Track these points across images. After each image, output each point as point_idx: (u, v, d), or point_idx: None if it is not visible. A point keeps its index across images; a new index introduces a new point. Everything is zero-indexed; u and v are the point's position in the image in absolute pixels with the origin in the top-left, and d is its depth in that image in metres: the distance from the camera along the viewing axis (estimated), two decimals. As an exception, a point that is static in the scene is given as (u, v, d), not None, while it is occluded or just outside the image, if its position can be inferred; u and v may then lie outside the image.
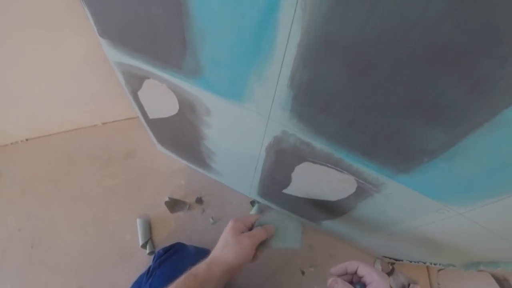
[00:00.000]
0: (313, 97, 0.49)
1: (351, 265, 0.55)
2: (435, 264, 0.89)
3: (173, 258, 0.86)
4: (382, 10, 0.32)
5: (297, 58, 0.43)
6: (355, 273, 0.55)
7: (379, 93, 0.42)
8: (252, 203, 1.16)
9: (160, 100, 0.83)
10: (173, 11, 0.50)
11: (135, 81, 0.81)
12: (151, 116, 0.97)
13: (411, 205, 0.62)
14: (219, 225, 1.15)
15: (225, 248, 0.58)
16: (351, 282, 0.55)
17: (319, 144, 0.59)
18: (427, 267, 1.15)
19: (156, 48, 0.63)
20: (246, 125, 0.68)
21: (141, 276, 0.90)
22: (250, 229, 0.64)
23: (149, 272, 0.84)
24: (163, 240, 1.12)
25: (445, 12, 0.29)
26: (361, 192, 0.67)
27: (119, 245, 1.14)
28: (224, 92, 0.62)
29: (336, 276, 0.56)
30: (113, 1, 0.58)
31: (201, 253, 0.96)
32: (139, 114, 1.00)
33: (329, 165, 0.64)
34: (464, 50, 0.31)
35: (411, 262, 0.97)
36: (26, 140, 1.41)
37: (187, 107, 0.77)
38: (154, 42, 0.61)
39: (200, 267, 0.57)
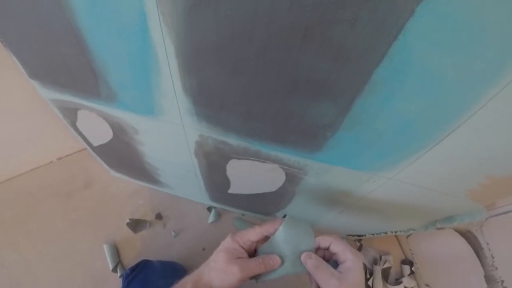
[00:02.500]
0: (208, 99, 0.57)
1: (324, 240, 0.55)
2: (395, 232, 0.97)
3: (139, 276, 0.94)
4: (224, 10, 0.38)
5: (180, 68, 0.51)
6: (327, 249, 0.54)
7: (257, 83, 0.48)
8: (209, 209, 1.26)
9: (96, 127, 0.91)
10: (76, 46, 0.57)
11: (70, 114, 0.89)
12: (95, 143, 1.05)
13: (341, 180, 0.69)
14: (182, 236, 1.26)
15: (213, 272, 0.55)
16: (323, 258, 0.54)
17: (233, 141, 0.67)
18: (396, 237, 1.24)
19: (76, 81, 0.70)
20: (169, 136, 0.76)
21: None
22: (252, 250, 0.59)
23: None
24: (132, 260, 1.22)
25: None
26: (292, 178, 0.75)
27: (91, 273, 1.24)
28: (139, 109, 0.69)
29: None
30: (29, 44, 0.64)
31: (166, 266, 1.06)
32: (84, 143, 1.09)
33: (251, 158, 0.72)
34: (311, 23, 0.36)
35: (373, 235, 1.06)
36: None
37: (118, 130, 0.85)
38: (72, 76, 0.68)
39: (186, 285, 0.55)
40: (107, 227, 1.32)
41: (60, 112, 0.91)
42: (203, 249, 1.21)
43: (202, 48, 0.46)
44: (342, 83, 0.43)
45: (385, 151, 0.55)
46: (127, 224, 1.28)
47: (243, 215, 1.25)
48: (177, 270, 1.11)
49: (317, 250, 0.56)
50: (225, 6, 0.38)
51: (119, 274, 1.20)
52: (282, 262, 0.55)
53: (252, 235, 0.57)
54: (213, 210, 1.25)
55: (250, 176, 0.83)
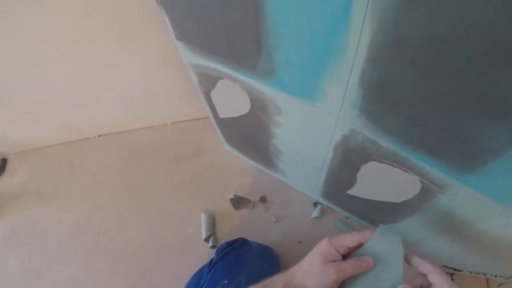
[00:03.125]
0: (381, 96, 0.55)
1: (423, 266, 0.54)
2: (495, 276, 0.92)
3: (235, 252, 0.95)
4: (444, 12, 0.36)
5: (367, 58, 0.50)
6: (426, 276, 0.53)
7: (444, 91, 0.47)
8: (315, 204, 1.26)
9: (232, 100, 0.92)
10: (250, 16, 0.57)
11: (208, 82, 0.91)
12: (222, 115, 1.08)
13: (474, 207, 0.66)
14: (281, 224, 1.26)
15: (308, 274, 0.56)
16: (420, 286, 0.54)
17: (385, 143, 0.65)
18: (487, 280, 1.16)
19: (232, 51, 0.71)
20: (316, 124, 0.75)
21: (202, 268, 1.01)
22: (345, 254, 0.59)
23: (211, 264, 0.94)
24: (226, 235, 1.26)
25: (505, 10, 0.32)
26: (425, 193, 0.72)
27: (182, 237, 1.29)
28: (297, 91, 0.69)
29: (413, 265, 0.56)
30: (191, 7, 0.66)
31: (263, 250, 1.07)
32: (209, 113, 1.13)
33: (395, 164, 0.69)
34: None
35: (471, 273, 1.01)
36: (98, 136, 1.66)
37: (258, 106, 0.86)
38: (230, 45, 0.69)
39: (277, 285, 0.56)
40: (208, 198, 1.37)
41: (198, 78, 0.93)
42: (299, 242, 1.22)
43: (401, 43, 0.44)
44: None
45: None
46: (230, 199, 1.32)
47: (347, 218, 1.23)
48: (272, 256, 1.11)
49: (417, 276, 0.55)
50: (446, 8, 0.36)
51: (210, 244, 1.24)
52: (366, 274, 0.56)
53: (350, 240, 0.58)
54: (319, 206, 1.25)
55: (381, 181, 0.81)
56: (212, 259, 0.97)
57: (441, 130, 0.54)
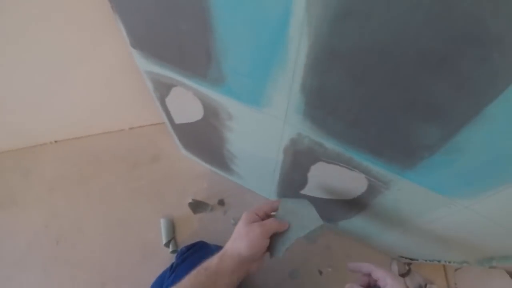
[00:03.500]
0: (322, 101, 0.60)
1: (366, 267, 0.62)
2: (449, 262, 0.97)
3: (195, 255, 0.97)
4: (371, 25, 0.41)
5: (306, 68, 0.54)
6: (370, 275, 0.61)
7: (378, 96, 0.52)
8: None
9: (186, 106, 0.95)
10: (199, 27, 0.60)
11: (163, 89, 0.93)
12: (177, 121, 1.10)
13: (419, 200, 0.71)
14: None
15: (237, 239, 0.63)
16: (368, 285, 0.62)
17: (330, 144, 0.70)
18: (444, 267, 1.25)
19: (184, 59, 0.74)
20: (265, 128, 0.79)
21: (164, 272, 1.01)
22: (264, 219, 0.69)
23: (172, 268, 0.95)
24: (186, 239, 1.28)
25: (426, 23, 0.37)
26: (372, 189, 0.78)
27: (142, 243, 1.30)
28: (245, 98, 0.73)
29: (351, 270, 0.65)
30: (144, 15, 0.68)
31: None
32: (165, 119, 1.15)
33: (341, 164, 0.74)
34: (446, 54, 0.39)
35: (426, 261, 1.07)
36: (55, 142, 1.62)
37: (211, 112, 0.89)
38: (182, 54, 0.72)
39: (212, 260, 0.62)
40: (167, 203, 1.39)
41: (153, 84, 0.96)
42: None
43: (336, 52, 0.49)
44: (456, 111, 0.46)
45: (473, 179, 0.58)
46: (189, 203, 1.34)
47: None
48: None
49: (362, 275, 0.64)
50: (375, 21, 0.41)
51: (170, 249, 1.26)
52: (290, 228, 0.68)
53: (267, 208, 0.72)
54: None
55: (331, 180, 0.87)
56: (173, 263, 0.99)
57: (379, 131, 0.59)
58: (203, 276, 0.60)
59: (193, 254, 0.98)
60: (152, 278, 1.04)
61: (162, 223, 1.32)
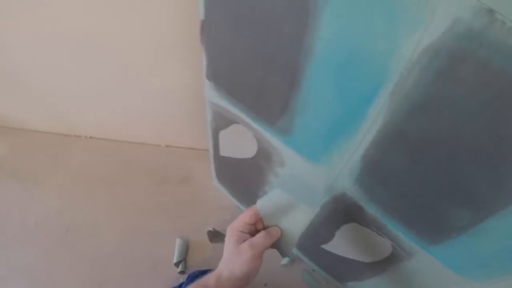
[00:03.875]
0: (377, 171, 0.67)
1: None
2: None
3: None
4: (442, 119, 0.50)
5: (372, 142, 0.62)
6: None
7: (428, 177, 0.60)
8: None
9: (240, 143, 1.00)
10: (286, 81, 0.67)
11: (222, 122, 0.99)
12: (223, 153, 1.17)
13: (434, 275, 0.77)
14: None
15: (229, 262, 0.64)
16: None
17: (370, 210, 0.77)
18: None
19: (257, 104, 0.80)
20: (312, 181, 0.85)
21: None
22: (253, 231, 0.70)
23: None
24: (196, 264, 1.32)
25: (487, 127, 0.46)
26: (394, 257, 0.84)
27: (152, 256, 1.34)
28: (305, 152, 0.79)
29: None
30: (233, 57, 0.75)
31: None
32: (210, 147, 1.21)
33: (373, 228, 0.81)
34: (494, 153, 0.47)
35: None
36: (90, 137, 1.71)
37: (263, 155, 0.94)
38: (258, 99, 0.79)
39: (210, 280, 0.63)
40: (186, 225, 1.45)
41: (212, 115, 1.01)
42: (265, 285, 1.29)
43: (403, 135, 0.58)
44: (488, 201, 0.55)
45: (489, 263, 0.64)
46: (208, 231, 1.39)
47: (313, 270, 1.33)
48: None
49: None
50: (445, 117, 0.49)
51: (179, 269, 1.30)
52: (284, 231, 0.71)
53: (247, 217, 0.70)
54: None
55: (357, 241, 0.92)
56: (181, 283, 1.02)
57: (419, 206, 0.67)
58: None
59: None
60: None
61: (178, 242, 1.38)
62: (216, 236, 1.41)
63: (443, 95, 0.48)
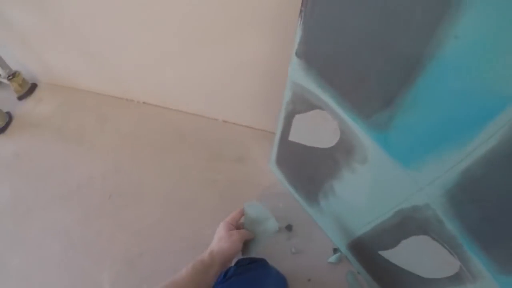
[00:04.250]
0: (473, 189, 0.65)
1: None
2: None
3: (253, 272, 1.01)
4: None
5: (483, 157, 0.60)
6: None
7: None
8: (335, 250, 1.35)
9: (318, 131, 0.98)
10: (399, 75, 0.64)
11: (302, 105, 0.96)
12: (292, 138, 1.15)
13: None
14: (298, 257, 1.34)
15: (221, 241, 0.87)
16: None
17: (451, 226, 0.75)
18: None
19: (354, 93, 0.77)
20: (394, 186, 0.83)
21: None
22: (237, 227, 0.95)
23: (227, 276, 0.98)
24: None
25: None
26: (457, 278, 0.82)
27: (196, 235, 1.35)
28: (396, 153, 0.77)
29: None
30: (337, 34, 0.72)
31: (279, 278, 1.16)
32: (278, 130, 1.19)
33: (446, 246, 0.79)
34: None
35: None
36: (143, 102, 1.71)
37: (344, 148, 0.92)
38: (357, 87, 0.76)
39: (204, 255, 0.83)
40: (236, 207, 1.39)
41: (292, 97, 0.98)
42: (309, 280, 1.30)
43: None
44: None
45: None
46: None
47: (358, 273, 1.34)
48: (284, 287, 1.22)
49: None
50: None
51: None
52: (256, 235, 0.96)
53: (238, 216, 0.99)
54: (338, 253, 1.35)
55: (422, 255, 0.91)
56: (228, 269, 1.01)
57: (504, 233, 0.66)
58: (200, 266, 0.81)
59: (251, 270, 1.02)
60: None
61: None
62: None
63: None
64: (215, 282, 0.91)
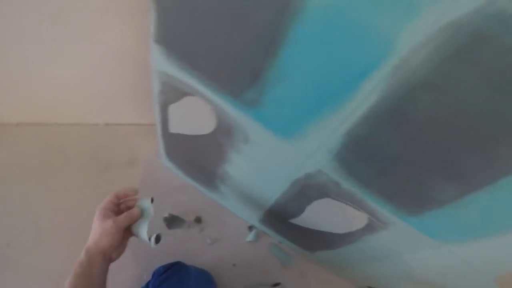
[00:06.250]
0: (361, 148, 0.66)
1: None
2: None
3: (173, 278, 0.98)
4: (445, 100, 0.50)
5: (361, 118, 0.60)
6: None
7: (417, 154, 0.60)
8: (250, 228, 1.34)
9: (195, 118, 0.95)
10: (261, 48, 0.62)
11: (173, 94, 0.92)
12: (173, 130, 1.10)
13: (411, 241, 0.80)
14: (216, 246, 1.31)
15: (95, 235, 0.74)
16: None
17: (347, 185, 0.77)
18: None
19: (220, 72, 0.74)
20: (282, 158, 0.83)
21: None
22: (119, 211, 0.81)
23: None
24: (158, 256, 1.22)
25: (486, 110, 0.47)
26: (369, 228, 0.85)
27: None
28: (276, 127, 0.76)
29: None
30: (193, 11, 0.67)
31: (202, 274, 1.11)
32: (158, 124, 1.13)
33: (349, 203, 0.81)
34: (489, 134, 0.50)
35: None
36: (17, 124, 1.52)
37: (223, 131, 0.90)
38: (221, 66, 0.72)
39: (81, 256, 0.73)
40: None
41: (161, 87, 0.93)
42: (234, 265, 1.28)
43: (398, 114, 0.59)
44: (477, 177, 0.59)
45: (465, 229, 0.70)
46: (164, 218, 1.33)
47: (280, 242, 1.34)
48: (210, 281, 1.17)
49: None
50: (446, 97, 0.52)
51: None
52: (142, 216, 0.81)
53: (114, 199, 0.82)
54: (254, 230, 1.34)
55: (330, 215, 0.93)
56: (148, 283, 0.99)
57: (403, 182, 0.68)
58: (79, 269, 0.72)
59: (171, 277, 1.00)
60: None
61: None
62: (174, 221, 1.35)
63: (454, 74, 0.48)
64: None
